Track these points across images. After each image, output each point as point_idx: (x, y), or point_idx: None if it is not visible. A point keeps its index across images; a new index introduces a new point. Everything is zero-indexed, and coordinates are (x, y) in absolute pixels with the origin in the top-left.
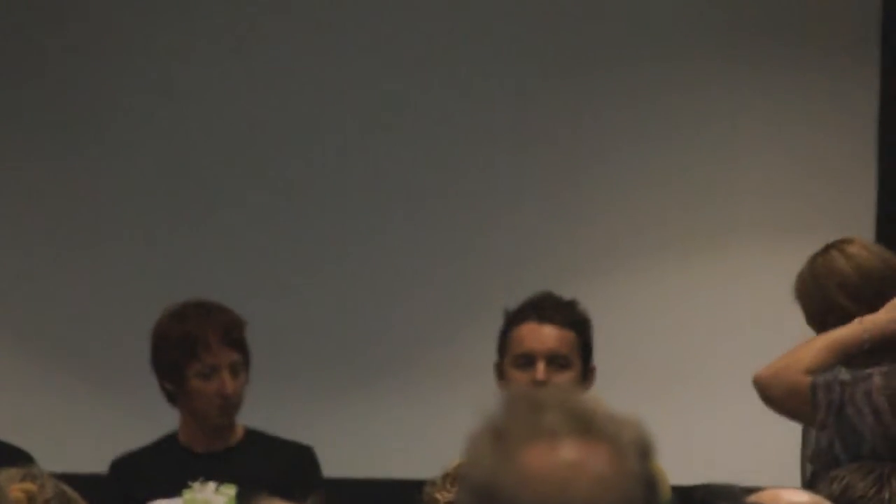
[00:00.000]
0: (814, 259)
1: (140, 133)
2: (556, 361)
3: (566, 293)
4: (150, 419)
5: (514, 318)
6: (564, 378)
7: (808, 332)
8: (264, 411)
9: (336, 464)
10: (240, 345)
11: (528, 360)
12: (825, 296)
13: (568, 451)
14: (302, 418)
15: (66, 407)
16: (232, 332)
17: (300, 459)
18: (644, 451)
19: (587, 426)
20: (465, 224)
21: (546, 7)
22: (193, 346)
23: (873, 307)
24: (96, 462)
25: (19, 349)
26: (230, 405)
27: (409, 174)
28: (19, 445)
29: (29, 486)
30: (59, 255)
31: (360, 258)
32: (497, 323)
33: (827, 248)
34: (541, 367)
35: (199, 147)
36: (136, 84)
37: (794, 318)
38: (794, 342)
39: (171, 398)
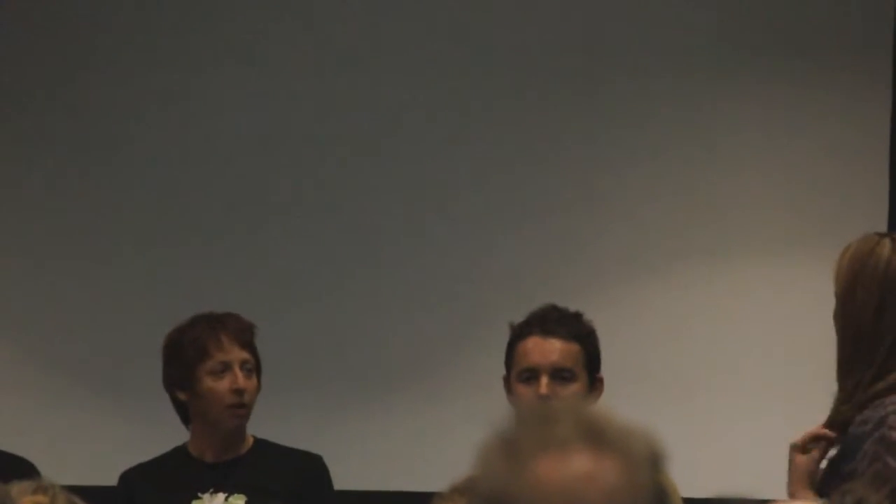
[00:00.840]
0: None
1: (153, 145)
2: (560, 375)
3: (574, 306)
4: (158, 432)
5: (519, 332)
6: (569, 391)
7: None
8: (272, 424)
9: (345, 476)
10: (251, 347)
11: (532, 375)
12: (854, 281)
13: (579, 463)
14: (310, 431)
15: (72, 419)
16: (243, 334)
17: (310, 468)
18: (655, 462)
19: (598, 437)
20: (474, 237)
21: (556, 21)
22: (205, 344)
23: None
24: (100, 475)
25: (26, 360)
26: (243, 405)
27: (422, 187)
28: (23, 456)
29: (41, 498)
30: (68, 268)
31: (369, 271)
32: (505, 336)
33: (884, 234)
34: (544, 381)
35: (211, 159)
36: (151, 96)
37: (805, 330)
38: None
39: (183, 411)
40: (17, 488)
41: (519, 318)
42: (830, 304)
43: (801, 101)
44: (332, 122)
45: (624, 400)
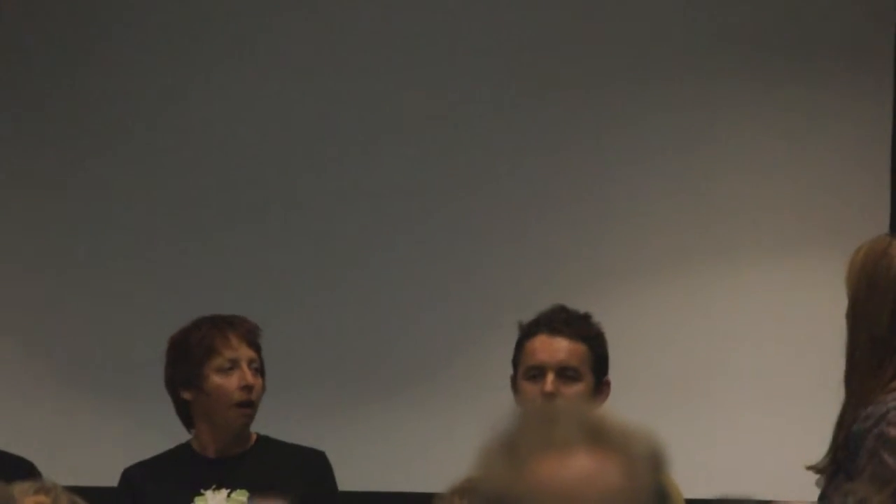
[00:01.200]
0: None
1: (154, 147)
2: (565, 374)
3: (580, 306)
4: (159, 433)
5: (527, 331)
6: (574, 391)
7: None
8: (276, 424)
9: (347, 477)
10: (257, 348)
11: (538, 372)
12: (866, 282)
13: (580, 463)
14: (314, 432)
15: (72, 420)
16: (250, 334)
17: (313, 464)
18: (657, 463)
19: (599, 438)
20: (481, 237)
21: (557, 22)
22: (213, 342)
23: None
24: (101, 475)
25: (26, 361)
26: (251, 402)
27: (424, 187)
28: (24, 456)
29: (42, 498)
30: (68, 268)
31: (374, 271)
32: (511, 336)
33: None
34: (550, 378)
35: (212, 161)
36: (151, 98)
37: (809, 331)
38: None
39: (186, 413)
40: (19, 488)
41: (520, 319)
42: (834, 304)
43: (802, 102)
44: (333, 122)
45: (626, 401)
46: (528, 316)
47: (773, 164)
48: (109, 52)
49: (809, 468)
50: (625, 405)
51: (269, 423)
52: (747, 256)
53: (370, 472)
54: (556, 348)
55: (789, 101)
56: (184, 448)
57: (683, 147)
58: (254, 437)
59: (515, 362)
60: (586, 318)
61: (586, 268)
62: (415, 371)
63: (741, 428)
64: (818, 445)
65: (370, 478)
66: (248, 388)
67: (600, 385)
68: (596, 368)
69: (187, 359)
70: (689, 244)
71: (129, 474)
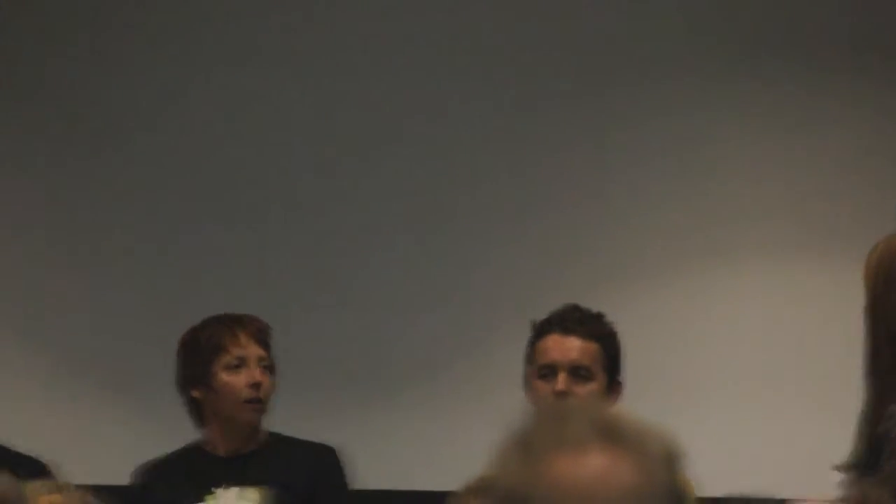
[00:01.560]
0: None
1: (154, 147)
2: (577, 373)
3: (589, 305)
4: (169, 432)
5: (539, 330)
6: (586, 390)
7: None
8: (286, 423)
9: (359, 475)
10: (267, 346)
11: (550, 371)
12: (884, 278)
13: (595, 461)
14: (324, 430)
15: (84, 420)
16: (260, 332)
17: (324, 460)
18: (671, 461)
19: (614, 436)
20: (490, 236)
21: (558, 23)
22: (221, 340)
23: None
24: (112, 474)
25: (36, 361)
26: (259, 400)
27: (432, 186)
28: (36, 455)
29: (55, 497)
30: (77, 268)
31: (382, 269)
32: (520, 335)
33: None
34: (562, 377)
35: (212, 161)
36: (156, 97)
37: (812, 333)
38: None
39: (197, 412)
40: (32, 487)
41: (525, 320)
42: (839, 305)
43: (803, 102)
44: (333, 122)
45: (640, 399)
46: (529, 316)
47: (774, 165)
48: (109, 52)
49: (836, 468)
50: (639, 403)
51: (273, 423)
52: (748, 258)
53: (380, 470)
54: (568, 347)
55: (790, 102)
56: (195, 447)
57: (684, 148)
58: (265, 434)
59: (528, 361)
60: (599, 317)
61: (586, 269)
62: (416, 371)
63: (741, 429)
64: (819, 443)
65: (372, 477)
66: (256, 386)
67: (613, 384)
68: (608, 368)
69: (197, 357)
70: (690, 246)
71: (141, 473)
